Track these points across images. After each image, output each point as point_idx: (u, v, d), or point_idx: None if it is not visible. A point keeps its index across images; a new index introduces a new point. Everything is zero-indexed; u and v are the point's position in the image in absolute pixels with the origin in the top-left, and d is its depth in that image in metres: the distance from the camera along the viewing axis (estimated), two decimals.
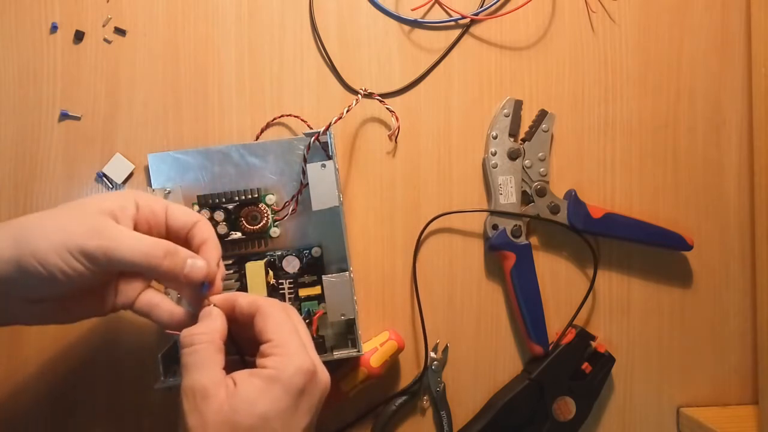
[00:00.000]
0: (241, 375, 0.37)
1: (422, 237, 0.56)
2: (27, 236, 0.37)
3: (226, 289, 0.52)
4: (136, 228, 0.40)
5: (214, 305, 0.40)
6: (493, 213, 0.55)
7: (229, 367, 0.38)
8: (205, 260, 0.40)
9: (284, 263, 0.53)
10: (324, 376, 0.39)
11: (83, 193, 0.55)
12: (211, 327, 0.39)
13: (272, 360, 0.37)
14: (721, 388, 0.58)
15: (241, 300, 0.41)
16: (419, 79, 0.57)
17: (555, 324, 0.57)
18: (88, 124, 0.55)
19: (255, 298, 0.41)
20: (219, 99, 0.56)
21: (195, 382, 0.36)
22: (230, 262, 0.53)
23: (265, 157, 0.53)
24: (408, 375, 0.56)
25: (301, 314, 0.53)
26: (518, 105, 0.56)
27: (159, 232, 0.42)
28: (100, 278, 0.39)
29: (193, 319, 0.40)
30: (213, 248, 0.42)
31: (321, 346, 0.52)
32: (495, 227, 0.55)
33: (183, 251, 0.40)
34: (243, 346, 0.41)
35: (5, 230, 0.38)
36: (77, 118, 0.55)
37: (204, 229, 0.42)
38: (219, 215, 0.52)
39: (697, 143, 0.58)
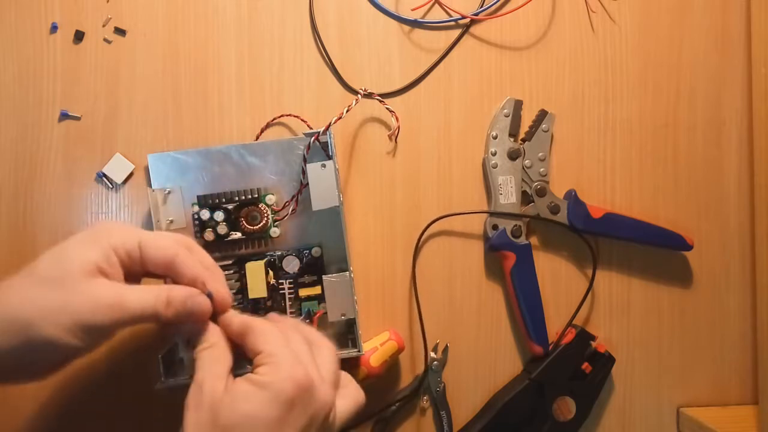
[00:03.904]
0: (239, 378, 0.38)
1: (421, 239, 0.56)
2: (32, 323, 0.36)
3: None
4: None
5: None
6: (492, 214, 0.55)
7: None
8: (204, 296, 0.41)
9: (284, 263, 0.53)
10: (324, 394, 0.38)
11: (83, 193, 0.55)
12: (213, 338, 0.40)
13: (263, 368, 0.37)
14: (721, 388, 0.58)
15: (233, 320, 0.41)
16: (419, 79, 0.57)
17: (555, 324, 0.57)
18: (88, 124, 0.55)
19: (247, 318, 0.41)
20: (219, 99, 0.56)
21: (195, 383, 0.37)
22: (230, 262, 0.53)
23: (265, 157, 0.53)
24: (408, 375, 0.56)
25: (300, 314, 0.53)
26: (518, 105, 0.56)
27: (137, 272, 0.41)
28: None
29: None
30: (213, 279, 0.42)
31: None
32: (495, 227, 0.55)
33: (181, 295, 0.40)
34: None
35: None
36: (77, 118, 0.55)
37: (188, 265, 0.41)
38: (219, 215, 0.52)
39: (697, 143, 0.58)
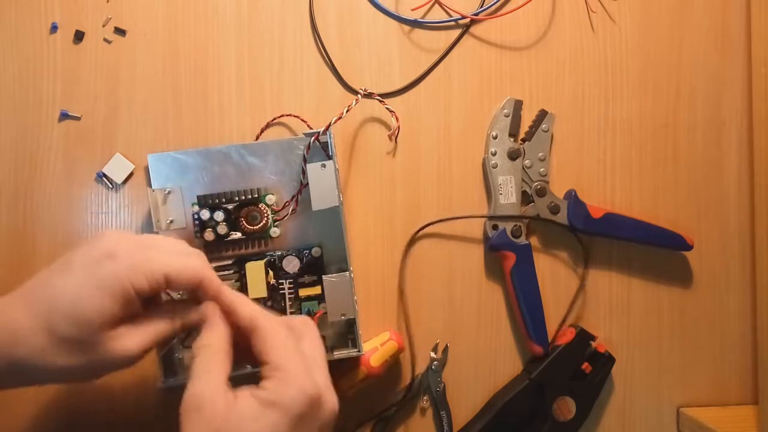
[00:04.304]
0: (243, 391, 0.36)
1: (413, 242, 0.56)
2: (55, 381, 0.38)
3: None
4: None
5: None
6: (491, 218, 0.55)
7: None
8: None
9: (284, 263, 0.53)
10: (330, 401, 0.37)
11: (83, 193, 0.54)
12: (214, 337, 0.38)
13: (271, 383, 0.36)
14: (721, 388, 0.58)
15: (242, 311, 0.39)
16: (419, 79, 0.57)
17: (555, 324, 0.57)
18: (88, 124, 0.55)
19: (254, 314, 0.39)
20: (219, 99, 0.56)
21: (192, 391, 0.35)
22: (230, 262, 0.53)
23: (265, 157, 0.53)
24: (408, 375, 0.56)
25: (300, 314, 0.52)
26: (518, 105, 0.56)
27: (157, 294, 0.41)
28: None
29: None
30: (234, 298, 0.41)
31: None
32: (495, 227, 0.55)
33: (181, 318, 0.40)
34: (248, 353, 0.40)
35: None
36: (77, 118, 0.55)
37: (212, 288, 0.40)
38: (219, 215, 0.52)
39: (697, 143, 0.58)
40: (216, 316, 0.39)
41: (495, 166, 0.56)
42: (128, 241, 0.39)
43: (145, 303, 0.40)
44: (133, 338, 0.38)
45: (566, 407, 0.54)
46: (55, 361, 0.36)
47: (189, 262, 0.39)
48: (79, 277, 0.37)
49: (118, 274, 0.37)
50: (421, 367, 0.56)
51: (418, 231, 0.56)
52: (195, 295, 0.40)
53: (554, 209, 0.55)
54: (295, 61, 0.56)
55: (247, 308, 0.39)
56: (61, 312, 0.36)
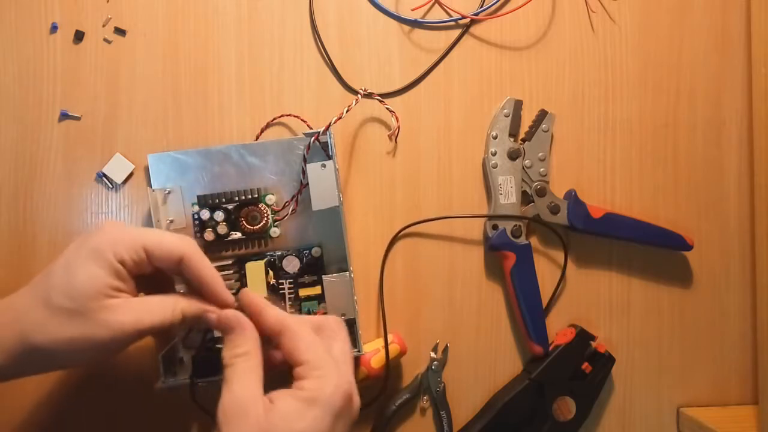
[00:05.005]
0: (278, 393, 0.37)
1: (396, 239, 0.56)
2: (56, 357, 0.38)
3: None
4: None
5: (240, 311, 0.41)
6: (491, 218, 0.55)
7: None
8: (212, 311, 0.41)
9: (284, 263, 0.53)
10: (357, 398, 0.39)
11: (83, 193, 0.55)
12: (248, 345, 0.39)
13: (309, 382, 0.37)
14: (721, 388, 0.58)
15: (269, 313, 0.40)
16: (419, 79, 0.57)
17: (555, 324, 0.57)
18: (88, 124, 0.55)
19: (282, 315, 0.40)
20: (219, 99, 0.56)
21: (232, 397, 0.36)
22: (230, 262, 0.53)
23: (265, 157, 0.53)
24: (408, 375, 0.56)
25: (300, 314, 0.53)
26: (518, 105, 0.56)
27: (147, 270, 0.41)
28: None
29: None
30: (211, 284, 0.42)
31: None
32: (495, 227, 0.55)
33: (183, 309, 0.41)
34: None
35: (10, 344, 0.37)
36: (77, 118, 0.55)
37: (197, 269, 0.41)
38: (219, 215, 0.52)
39: (697, 143, 0.58)
40: (247, 323, 0.40)
41: (495, 166, 0.56)
42: (117, 223, 0.41)
43: (155, 289, 0.42)
44: (127, 313, 0.38)
45: (566, 407, 0.54)
46: (54, 333, 0.37)
47: (169, 237, 0.41)
48: (70, 253, 0.39)
49: (100, 245, 0.39)
50: (421, 367, 0.56)
51: (398, 234, 0.56)
52: (190, 283, 0.42)
53: (554, 209, 0.55)
54: (295, 61, 0.56)
55: (273, 311, 0.41)
56: (55, 284, 0.38)
